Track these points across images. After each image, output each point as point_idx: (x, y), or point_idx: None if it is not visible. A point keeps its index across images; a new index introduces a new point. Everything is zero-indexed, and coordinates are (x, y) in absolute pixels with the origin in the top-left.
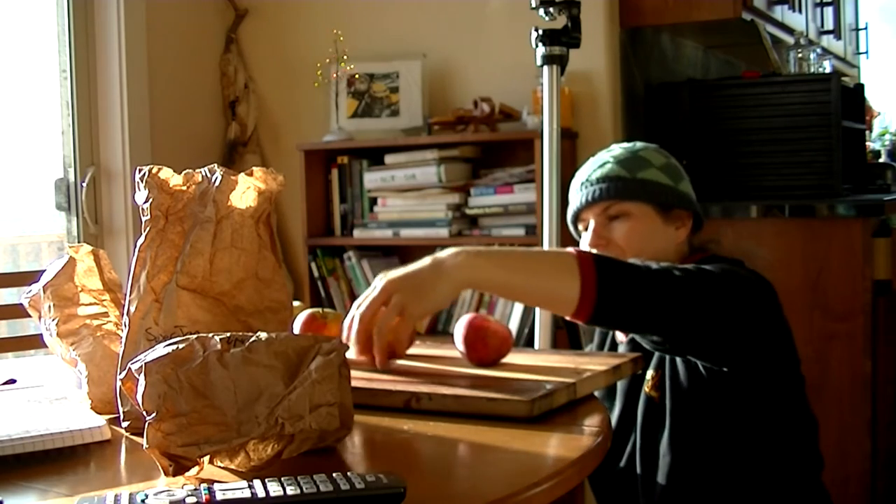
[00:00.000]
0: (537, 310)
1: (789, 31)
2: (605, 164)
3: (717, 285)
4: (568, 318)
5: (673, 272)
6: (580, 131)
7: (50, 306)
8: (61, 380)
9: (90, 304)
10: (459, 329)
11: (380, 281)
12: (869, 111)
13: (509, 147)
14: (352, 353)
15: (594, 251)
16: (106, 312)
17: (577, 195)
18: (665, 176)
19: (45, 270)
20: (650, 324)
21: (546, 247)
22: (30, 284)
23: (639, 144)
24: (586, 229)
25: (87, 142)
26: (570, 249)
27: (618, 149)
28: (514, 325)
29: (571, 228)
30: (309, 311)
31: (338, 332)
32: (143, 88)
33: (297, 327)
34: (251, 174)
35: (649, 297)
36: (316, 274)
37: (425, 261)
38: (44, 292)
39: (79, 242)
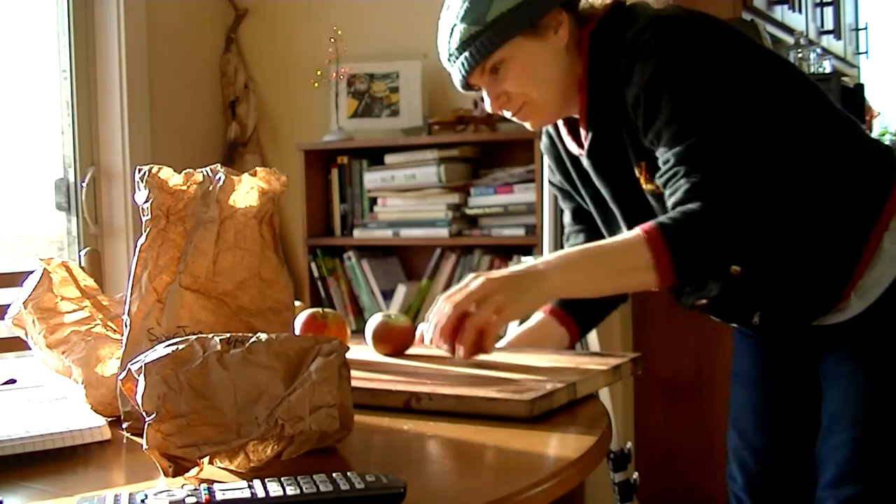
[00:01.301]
0: None
1: (789, 31)
2: (453, 28)
3: (740, 188)
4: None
5: (721, 213)
6: None
7: (34, 320)
8: (61, 380)
9: (73, 311)
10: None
11: (476, 279)
12: (869, 111)
13: (509, 147)
14: (426, 340)
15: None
16: (91, 317)
17: (452, 70)
18: None
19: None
20: (728, 265)
21: (546, 246)
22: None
23: None
24: (479, 88)
25: (87, 142)
26: (639, 230)
27: (455, 1)
28: (513, 325)
29: (463, 91)
30: (309, 311)
31: (338, 332)
32: (143, 88)
33: (297, 327)
34: (254, 174)
35: (717, 250)
36: (316, 274)
37: (521, 267)
38: (25, 308)
39: (79, 242)
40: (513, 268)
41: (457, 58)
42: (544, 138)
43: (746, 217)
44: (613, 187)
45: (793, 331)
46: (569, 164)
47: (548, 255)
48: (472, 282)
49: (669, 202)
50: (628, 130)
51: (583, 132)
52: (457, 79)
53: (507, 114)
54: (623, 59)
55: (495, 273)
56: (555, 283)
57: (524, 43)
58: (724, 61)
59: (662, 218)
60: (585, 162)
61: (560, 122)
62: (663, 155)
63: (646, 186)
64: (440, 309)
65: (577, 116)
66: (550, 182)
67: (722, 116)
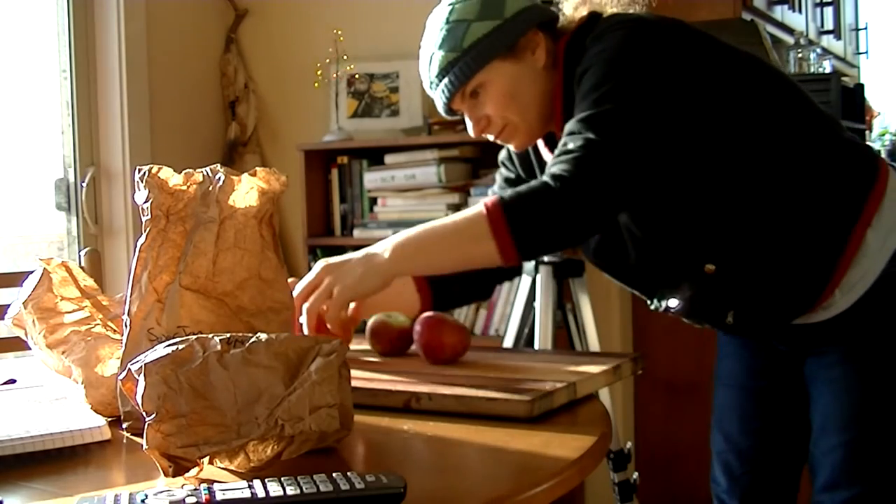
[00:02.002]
0: (537, 310)
1: (789, 31)
2: (432, 57)
3: (593, 170)
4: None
5: (560, 187)
6: None
7: (34, 320)
8: (61, 380)
9: (73, 311)
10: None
11: (316, 265)
12: (869, 111)
13: None
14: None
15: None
16: (91, 316)
17: (435, 97)
18: (488, 22)
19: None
20: (568, 242)
21: None
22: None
23: (446, 6)
24: (463, 113)
25: (87, 142)
26: (481, 205)
27: (433, 30)
28: (513, 325)
29: (447, 117)
30: None
31: (340, 332)
32: (143, 88)
33: (306, 329)
34: (254, 174)
35: (556, 223)
36: None
37: (360, 251)
38: (25, 308)
39: (79, 242)
40: (355, 252)
41: (437, 84)
42: None
43: (601, 193)
44: None
45: (769, 330)
46: (534, 161)
47: (394, 235)
48: (314, 268)
49: (552, 158)
50: None
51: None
52: (439, 104)
53: (490, 137)
54: (580, 67)
55: (334, 258)
56: (390, 260)
57: (502, 66)
58: (672, 54)
59: (507, 192)
60: None
61: (540, 142)
62: (575, 115)
63: None
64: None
65: (555, 133)
66: (501, 162)
67: (645, 95)
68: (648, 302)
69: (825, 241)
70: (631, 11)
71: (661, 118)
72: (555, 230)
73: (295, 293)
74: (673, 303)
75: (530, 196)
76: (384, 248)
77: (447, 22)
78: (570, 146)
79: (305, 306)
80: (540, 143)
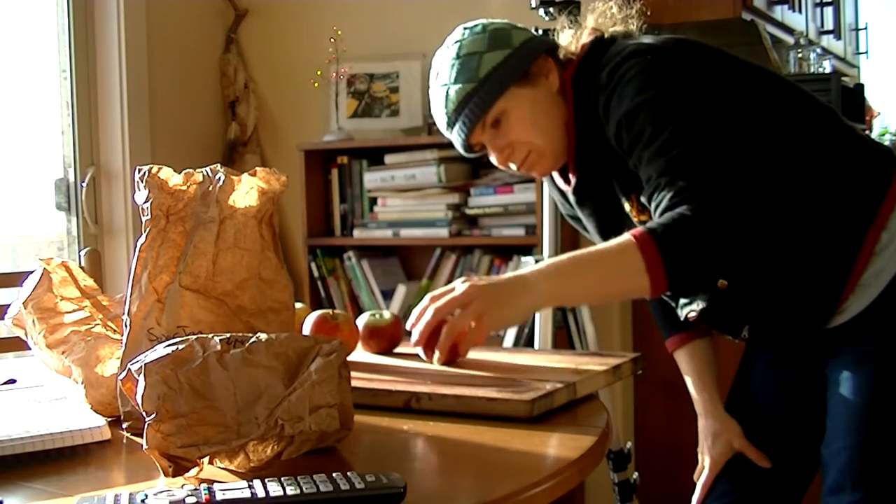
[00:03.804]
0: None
1: (789, 31)
2: (447, 92)
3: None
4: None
5: (701, 219)
6: None
7: (34, 320)
8: (61, 380)
9: (73, 311)
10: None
11: (462, 284)
12: (869, 111)
13: None
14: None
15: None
16: (91, 317)
17: (453, 135)
18: (499, 52)
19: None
20: (720, 268)
21: (546, 246)
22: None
23: (453, 44)
24: (482, 150)
25: (87, 142)
26: (630, 236)
27: (444, 67)
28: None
29: (466, 155)
30: (319, 312)
31: (350, 334)
32: (143, 88)
33: (306, 329)
34: (254, 174)
35: (707, 251)
36: (316, 274)
37: (509, 275)
38: (25, 308)
39: (79, 242)
40: (502, 275)
41: (456, 119)
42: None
43: (733, 220)
44: (600, 222)
45: (786, 342)
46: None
47: (538, 264)
48: (457, 287)
49: (656, 213)
50: (614, 168)
51: (571, 174)
52: (458, 141)
53: (513, 166)
54: (600, 99)
55: (483, 279)
56: (542, 291)
57: (520, 92)
58: (698, 78)
59: (650, 223)
60: (571, 198)
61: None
62: (646, 172)
63: (638, 218)
64: (422, 310)
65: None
66: (565, 215)
67: (700, 129)
68: (673, 304)
69: (838, 250)
70: (631, 28)
71: (726, 144)
72: (705, 263)
73: (430, 303)
74: (692, 314)
75: (678, 225)
76: (534, 275)
77: (457, 57)
78: (669, 195)
79: (429, 314)
80: (556, 175)
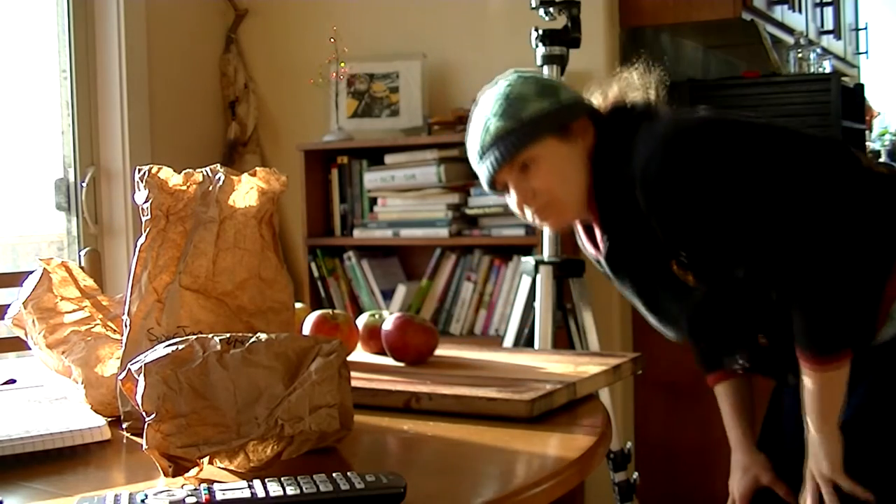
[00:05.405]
0: (537, 310)
1: (789, 31)
2: (487, 125)
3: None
4: None
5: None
6: None
7: (34, 321)
8: (61, 380)
9: (73, 311)
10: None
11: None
12: (869, 111)
13: None
14: None
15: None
16: (91, 317)
17: (482, 167)
18: (546, 101)
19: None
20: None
21: (546, 246)
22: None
23: (503, 84)
24: (505, 189)
25: (87, 142)
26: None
27: (490, 102)
28: (513, 325)
29: (488, 191)
30: (319, 312)
31: (350, 334)
32: (143, 88)
33: (306, 329)
34: (254, 174)
35: (848, 319)
36: (316, 274)
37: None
38: (25, 308)
39: (79, 242)
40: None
41: (487, 153)
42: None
43: (845, 290)
44: (636, 286)
45: None
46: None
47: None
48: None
49: (783, 292)
50: (649, 238)
51: (599, 237)
52: (485, 175)
53: (528, 213)
54: (637, 189)
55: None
56: (836, 441)
57: (554, 143)
58: (743, 163)
59: (799, 339)
60: (604, 263)
61: (578, 225)
62: (754, 273)
63: (684, 278)
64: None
65: (591, 221)
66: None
67: (780, 216)
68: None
69: (870, 292)
70: (650, 96)
71: (814, 211)
72: (850, 328)
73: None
74: (736, 366)
75: (820, 331)
76: (830, 433)
77: (506, 97)
78: (791, 279)
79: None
80: (581, 233)
